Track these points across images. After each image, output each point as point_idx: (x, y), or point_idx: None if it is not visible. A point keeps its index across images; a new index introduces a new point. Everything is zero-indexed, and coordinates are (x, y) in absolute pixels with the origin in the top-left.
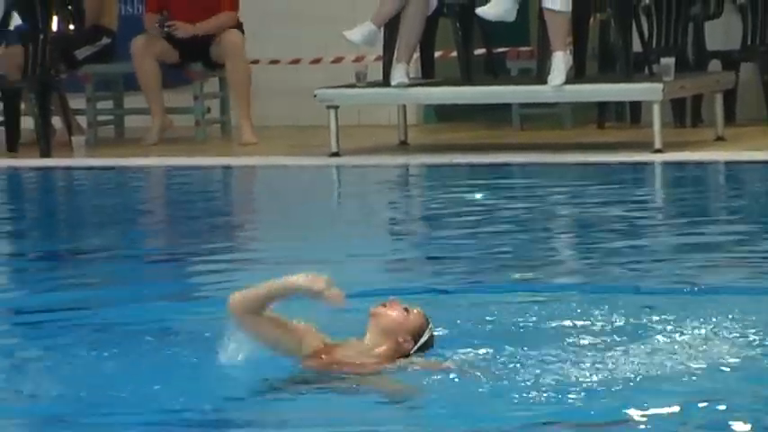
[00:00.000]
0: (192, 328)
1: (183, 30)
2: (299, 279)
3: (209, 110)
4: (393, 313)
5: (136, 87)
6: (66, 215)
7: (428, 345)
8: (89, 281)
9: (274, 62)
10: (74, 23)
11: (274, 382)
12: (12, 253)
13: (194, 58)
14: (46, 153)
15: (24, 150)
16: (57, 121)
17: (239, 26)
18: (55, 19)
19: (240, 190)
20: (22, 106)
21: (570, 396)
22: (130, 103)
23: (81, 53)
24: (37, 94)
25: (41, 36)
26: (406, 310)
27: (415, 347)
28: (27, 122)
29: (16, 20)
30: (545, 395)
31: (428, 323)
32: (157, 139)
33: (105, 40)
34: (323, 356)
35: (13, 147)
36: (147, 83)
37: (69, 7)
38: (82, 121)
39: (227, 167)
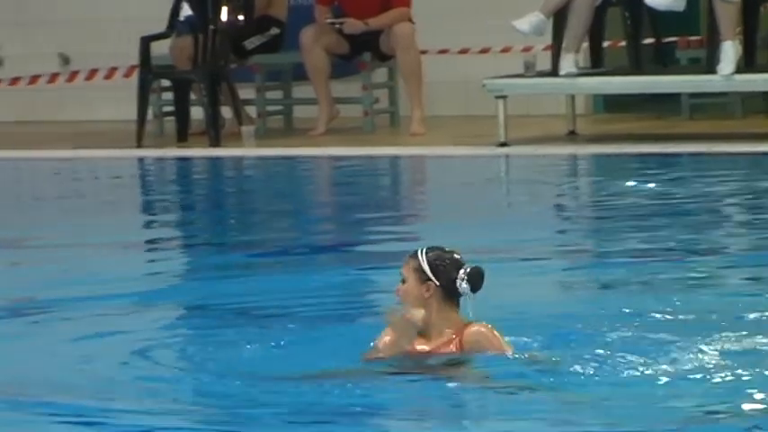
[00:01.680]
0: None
1: (354, 27)
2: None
3: (377, 100)
4: (400, 296)
5: (305, 77)
6: (234, 205)
7: (439, 261)
8: (258, 270)
9: (443, 52)
10: (243, 14)
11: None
12: (181, 243)
13: (363, 48)
14: (215, 143)
15: (194, 140)
16: (226, 111)
17: (409, 17)
18: (224, 9)
19: (408, 180)
20: (192, 96)
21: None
22: (299, 93)
23: (250, 43)
24: (207, 84)
25: (211, 26)
26: (402, 281)
27: (433, 277)
28: (197, 112)
29: (186, 10)
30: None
31: (418, 253)
32: (325, 130)
33: (274, 31)
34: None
35: (182, 137)
36: (316, 73)
37: None
38: (251, 111)
39: (395, 157)
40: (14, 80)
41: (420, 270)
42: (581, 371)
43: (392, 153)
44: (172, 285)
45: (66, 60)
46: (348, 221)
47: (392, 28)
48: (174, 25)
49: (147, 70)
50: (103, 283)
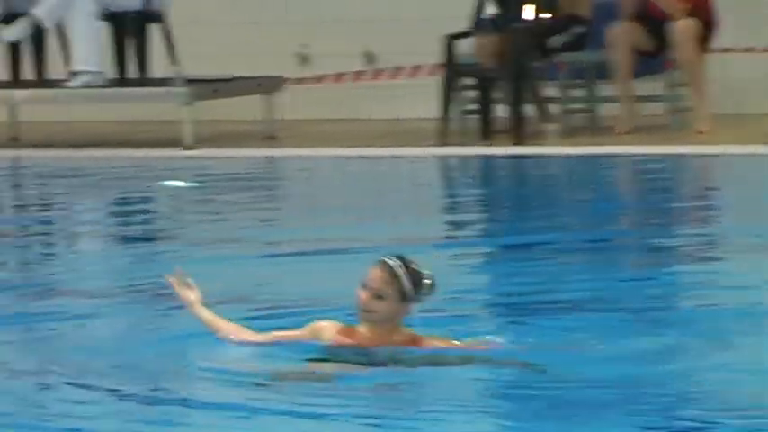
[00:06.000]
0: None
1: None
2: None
3: (683, 98)
4: (372, 312)
5: (608, 75)
6: (538, 203)
7: (417, 277)
8: (554, 268)
9: (749, 50)
10: (548, 12)
11: None
12: (482, 240)
13: (668, 47)
14: (519, 141)
15: (497, 138)
16: (530, 109)
17: (706, 15)
18: (529, 7)
19: (711, 179)
20: (496, 94)
21: None
22: (603, 92)
23: (555, 41)
24: (511, 82)
25: (515, 25)
26: (374, 295)
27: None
28: (500, 110)
29: (490, 8)
30: None
31: (398, 268)
32: (628, 128)
33: (579, 29)
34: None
35: (486, 135)
36: (620, 71)
37: None
38: (555, 109)
39: (698, 156)
40: (319, 78)
41: (403, 291)
42: None
43: (696, 152)
44: (479, 283)
45: (371, 59)
46: (651, 220)
47: (670, 26)
48: (478, 23)
49: (452, 68)
50: None
